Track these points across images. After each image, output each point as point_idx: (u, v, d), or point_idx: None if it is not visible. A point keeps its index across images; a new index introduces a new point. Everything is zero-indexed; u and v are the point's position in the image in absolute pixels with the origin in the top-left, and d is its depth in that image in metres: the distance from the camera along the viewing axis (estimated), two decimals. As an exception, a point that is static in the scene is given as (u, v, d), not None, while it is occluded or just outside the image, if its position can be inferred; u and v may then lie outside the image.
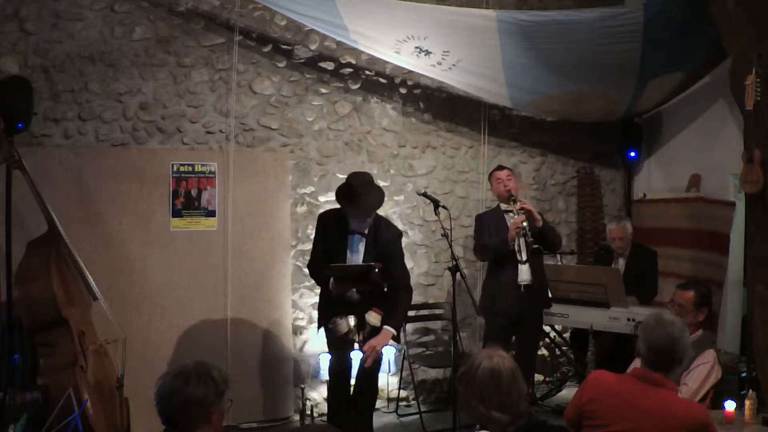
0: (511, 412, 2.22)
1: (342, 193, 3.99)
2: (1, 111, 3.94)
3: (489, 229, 4.73)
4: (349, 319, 3.95)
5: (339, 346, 4.09)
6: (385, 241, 4.10)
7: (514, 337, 4.79)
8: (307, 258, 5.03)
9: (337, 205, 4.07)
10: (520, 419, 2.24)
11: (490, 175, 4.86)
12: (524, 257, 4.61)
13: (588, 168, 6.24)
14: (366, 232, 4.05)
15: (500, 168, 4.84)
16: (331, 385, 4.26)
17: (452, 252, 4.03)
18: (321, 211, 4.64)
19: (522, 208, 4.53)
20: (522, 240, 4.54)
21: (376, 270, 3.91)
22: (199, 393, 2.10)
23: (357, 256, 4.06)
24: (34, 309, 3.68)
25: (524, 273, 4.62)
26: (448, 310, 5.01)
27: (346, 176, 5.22)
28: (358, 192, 3.92)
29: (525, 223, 4.47)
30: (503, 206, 4.75)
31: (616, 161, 6.29)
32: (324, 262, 4.05)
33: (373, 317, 4.02)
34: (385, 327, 4.00)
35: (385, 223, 4.22)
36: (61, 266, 3.80)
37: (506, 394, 2.22)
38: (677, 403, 2.50)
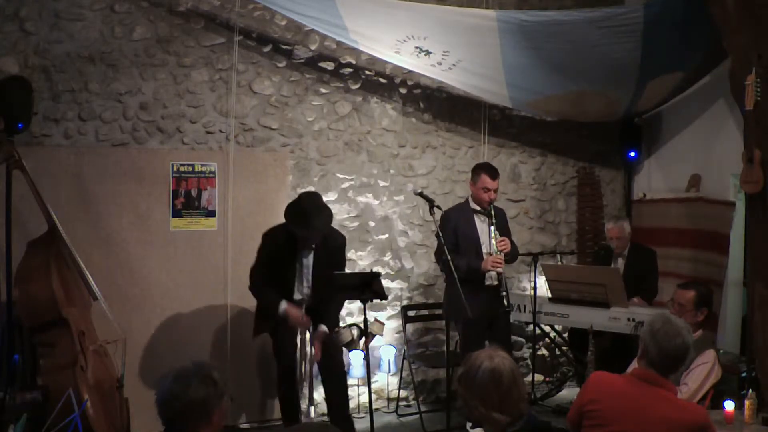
0: (510, 412, 2.23)
1: (294, 217, 4.00)
2: (1, 111, 3.95)
3: (456, 232, 4.57)
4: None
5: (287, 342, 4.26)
6: (335, 248, 4.25)
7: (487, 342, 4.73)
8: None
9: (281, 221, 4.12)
10: (520, 420, 2.24)
11: (478, 173, 4.58)
12: (494, 252, 4.54)
13: (588, 168, 6.23)
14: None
15: (493, 174, 4.56)
16: (286, 384, 4.34)
17: (446, 252, 4.03)
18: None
19: (502, 249, 4.49)
20: (492, 240, 4.52)
21: (378, 278, 4.03)
22: (200, 395, 2.07)
23: (307, 267, 4.17)
24: (34, 309, 3.69)
25: (491, 275, 4.55)
26: (448, 310, 5.00)
27: (346, 176, 5.27)
28: (311, 216, 3.96)
29: (501, 269, 4.46)
30: (473, 206, 4.64)
31: (616, 161, 6.29)
32: (269, 279, 4.14)
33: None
34: (322, 325, 4.17)
35: (331, 231, 4.24)
36: (61, 266, 3.80)
37: (506, 395, 2.22)
38: (677, 404, 2.51)
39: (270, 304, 4.17)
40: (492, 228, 4.53)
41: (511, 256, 4.68)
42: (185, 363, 2.18)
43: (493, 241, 4.51)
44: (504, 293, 4.53)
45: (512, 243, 4.70)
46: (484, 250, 4.56)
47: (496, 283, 4.54)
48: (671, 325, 2.54)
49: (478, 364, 2.26)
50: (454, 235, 4.56)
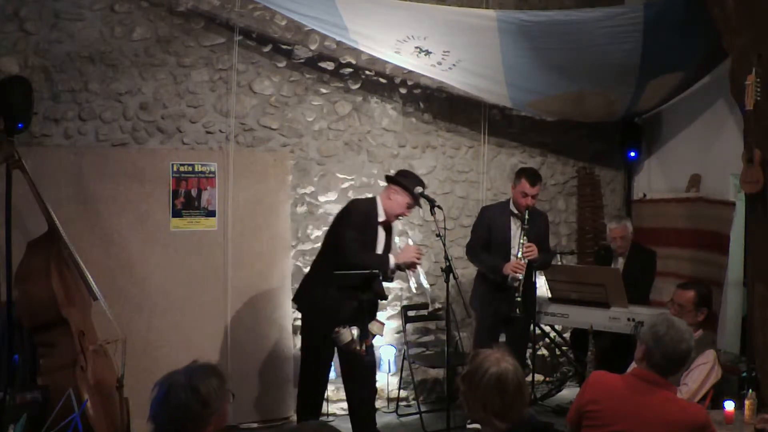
0: (510, 419, 2.22)
1: (412, 178, 4.21)
2: (1, 111, 3.95)
3: (489, 228, 4.73)
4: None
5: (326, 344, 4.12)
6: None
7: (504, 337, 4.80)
8: (308, 258, 5.06)
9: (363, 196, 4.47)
10: (519, 425, 2.23)
11: (519, 177, 4.67)
12: (518, 256, 4.62)
13: (588, 168, 6.23)
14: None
15: (533, 181, 4.62)
16: (311, 381, 4.23)
17: (446, 252, 4.04)
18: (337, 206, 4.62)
19: (527, 256, 4.53)
20: (520, 245, 4.58)
21: (379, 278, 4.06)
22: (192, 411, 2.02)
23: (381, 246, 4.20)
24: (34, 309, 3.68)
25: (515, 276, 4.61)
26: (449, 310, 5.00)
27: (346, 176, 5.27)
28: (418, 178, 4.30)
29: (521, 276, 4.53)
30: (512, 208, 4.75)
31: (616, 161, 6.29)
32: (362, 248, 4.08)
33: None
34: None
35: None
36: (61, 266, 3.80)
37: (509, 403, 2.20)
38: (677, 404, 2.50)
39: (380, 259, 4.09)
40: (521, 233, 4.61)
41: (540, 263, 4.77)
42: (173, 376, 2.08)
43: (521, 248, 4.57)
44: (518, 298, 4.55)
45: (547, 249, 4.87)
46: (513, 252, 4.65)
47: (517, 284, 4.61)
48: (675, 330, 2.52)
49: (485, 367, 2.23)
50: (487, 232, 4.73)
